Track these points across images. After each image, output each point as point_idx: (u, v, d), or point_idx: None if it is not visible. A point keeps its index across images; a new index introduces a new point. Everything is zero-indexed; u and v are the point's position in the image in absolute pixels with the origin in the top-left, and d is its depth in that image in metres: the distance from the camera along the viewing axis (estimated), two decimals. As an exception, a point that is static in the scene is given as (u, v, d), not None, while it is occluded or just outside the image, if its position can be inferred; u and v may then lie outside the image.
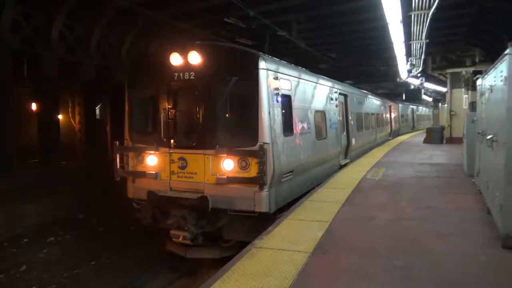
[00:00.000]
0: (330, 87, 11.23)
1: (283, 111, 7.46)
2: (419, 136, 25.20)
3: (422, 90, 32.23)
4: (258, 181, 6.60)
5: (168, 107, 7.41)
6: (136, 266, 8.53)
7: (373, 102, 19.47)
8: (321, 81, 10.50)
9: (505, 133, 4.62)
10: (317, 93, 9.88)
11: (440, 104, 31.93)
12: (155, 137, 7.53)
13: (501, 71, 4.90)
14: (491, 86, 5.90)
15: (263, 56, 7.07)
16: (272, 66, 7.19)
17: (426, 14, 9.69)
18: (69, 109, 18.44)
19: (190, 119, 7.36)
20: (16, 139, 11.90)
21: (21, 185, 10.99)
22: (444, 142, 20.33)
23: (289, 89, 7.90)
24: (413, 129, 36.01)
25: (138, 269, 8.36)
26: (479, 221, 6.03)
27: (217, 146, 6.88)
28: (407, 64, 16.88)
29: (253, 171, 6.70)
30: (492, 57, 14.13)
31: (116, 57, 14.96)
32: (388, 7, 8.87)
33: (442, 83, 25.62)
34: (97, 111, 16.76)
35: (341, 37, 17.63)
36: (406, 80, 22.82)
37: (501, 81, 4.89)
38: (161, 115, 7.40)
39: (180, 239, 6.96)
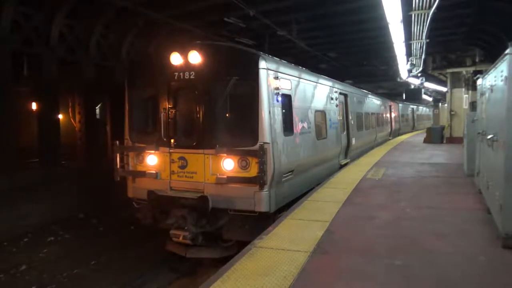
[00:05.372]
0: (330, 86, 11.22)
1: (283, 110, 7.46)
2: (419, 136, 25.20)
3: (422, 90, 32.18)
4: (258, 180, 6.60)
5: (168, 107, 7.41)
6: (136, 265, 8.53)
7: (373, 102, 19.46)
8: (321, 80, 10.49)
9: (505, 133, 4.62)
10: (317, 92, 9.88)
11: (440, 104, 31.96)
12: (155, 136, 7.53)
13: (502, 71, 4.90)
14: (491, 86, 5.89)
15: (263, 55, 7.06)
16: (272, 66, 7.19)
17: (426, 14, 9.68)
18: (69, 109, 18.49)
19: (190, 118, 7.35)
20: (16, 139, 11.91)
21: (21, 185, 11.00)
22: (444, 142, 20.33)
23: (289, 88, 7.90)
24: (413, 128, 36.01)
25: (138, 269, 8.37)
26: (479, 221, 6.02)
27: (217, 145, 6.88)
28: (407, 63, 16.85)
29: (253, 171, 6.70)
30: (492, 57, 14.14)
31: (116, 57, 14.96)
32: (388, 7, 8.86)
33: (442, 83, 25.61)
34: (97, 111, 16.78)
35: (341, 36, 17.63)
36: (406, 79, 22.78)
37: (502, 81, 4.89)
38: (161, 114, 7.39)
39: (180, 238, 6.96)
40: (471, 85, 19.04)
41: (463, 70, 19.91)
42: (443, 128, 21.23)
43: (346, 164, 12.42)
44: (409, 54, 15.16)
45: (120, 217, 11.13)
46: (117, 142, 7.98)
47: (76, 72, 13.86)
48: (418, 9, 9.41)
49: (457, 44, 19.07)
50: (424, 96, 38.53)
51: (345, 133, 12.78)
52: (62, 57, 12.83)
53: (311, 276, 4.17)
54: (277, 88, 7.16)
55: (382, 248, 4.96)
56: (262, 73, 6.78)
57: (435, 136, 20.44)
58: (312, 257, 4.65)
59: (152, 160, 7.58)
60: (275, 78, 7.16)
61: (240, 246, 6.23)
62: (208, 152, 7.02)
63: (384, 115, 22.88)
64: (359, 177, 9.99)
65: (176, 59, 7.23)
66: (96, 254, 9.18)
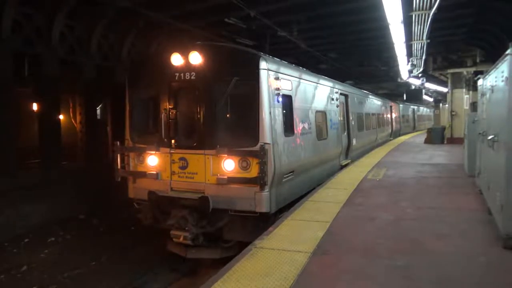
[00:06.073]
0: (330, 87, 11.22)
1: (284, 111, 7.46)
2: (420, 137, 25.19)
3: (423, 91, 32.24)
4: (259, 181, 6.59)
5: (169, 107, 7.41)
6: (137, 266, 8.53)
7: (374, 103, 19.46)
8: (321, 81, 10.49)
9: (506, 134, 4.62)
10: (317, 93, 9.88)
11: (441, 105, 31.95)
12: (156, 137, 7.53)
13: (502, 71, 4.90)
14: (492, 86, 5.89)
15: (264, 56, 7.07)
16: (273, 66, 7.19)
17: (427, 14, 9.67)
18: (70, 109, 18.50)
19: (191, 119, 7.35)
20: (17, 139, 11.92)
21: (22, 185, 11.00)
22: (445, 142, 20.32)
23: (290, 89, 7.90)
24: (414, 129, 35.98)
25: (138, 269, 8.37)
26: (479, 221, 6.02)
27: (218, 146, 6.88)
28: (408, 64, 16.84)
29: (253, 171, 6.70)
30: (493, 58, 14.11)
31: (117, 57, 14.97)
32: (389, 7, 8.86)
33: (443, 84, 25.60)
34: (98, 111, 16.79)
35: (342, 37, 17.61)
36: (407, 80, 22.77)
37: (502, 81, 4.89)
38: (162, 115, 7.40)
39: (181, 239, 6.97)
40: (472, 86, 19.04)
41: (464, 71, 19.91)
42: (443, 128, 21.22)
43: (346, 165, 12.41)
44: (409, 54, 15.15)
45: (121, 217, 11.14)
46: (118, 142, 7.98)
47: (77, 73, 13.87)
48: (419, 10, 9.39)
49: (457, 44, 19.06)
50: (425, 97, 38.60)
51: (345, 133, 12.78)
52: (63, 57, 12.84)
53: (311, 276, 4.16)
54: (277, 89, 7.16)
55: (382, 248, 4.95)
56: (263, 74, 6.78)
57: (436, 136, 20.44)
58: (312, 257, 4.65)
59: (152, 160, 7.57)
60: (276, 79, 7.16)
61: (240, 246, 6.23)
62: (209, 153, 7.01)
63: (385, 116, 22.88)
64: (360, 177, 9.99)
65: (176, 59, 7.23)
66: (97, 255, 9.18)
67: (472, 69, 19.39)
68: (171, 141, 7.37)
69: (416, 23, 10.46)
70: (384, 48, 17.83)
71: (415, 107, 38.77)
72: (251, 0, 11.66)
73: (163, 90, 7.50)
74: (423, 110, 45.01)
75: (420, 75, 20.73)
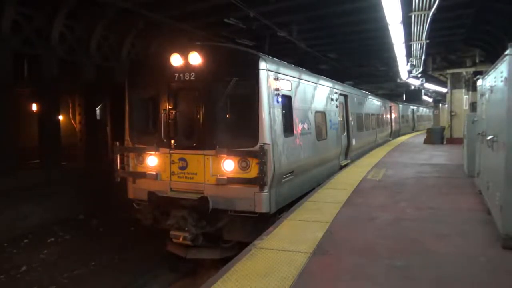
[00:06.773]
0: (330, 87, 11.23)
1: (284, 111, 7.46)
2: (419, 137, 25.21)
3: (423, 91, 32.22)
4: (259, 181, 6.60)
5: (169, 108, 7.41)
6: (137, 266, 8.53)
7: (373, 103, 19.47)
8: (321, 81, 10.50)
9: (505, 134, 4.62)
10: (317, 93, 9.89)
11: (440, 105, 31.95)
12: (155, 137, 7.53)
13: (501, 72, 4.90)
14: (491, 86, 5.90)
15: (263, 56, 7.07)
16: (273, 67, 7.19)
17: (426, 15, 9.68)
18: (70, 110, 18.50)
19: (191, 119, 7.36)
20: (17, 139, 11.92)
21: (22, 185, 11.00)
22: (445, 142, 20.34)
23: (289, 89, 7.91)
24: (413, 129, 36.02)
25: (138, 270, 8.37)
26: (479, 221, 6.02)
27: (218, 146, 6.88)
28: (407, 64, 16.84)
29: (253, 172, 6.70)
30: (492, 58, 14.13)
31: (117, 58, 14.97)
32: (388, 7, 8.87)
33: (443, 84, 25.60)
34: (98, 112, 16.78)
35: (342, 37, 17.62)
36: (407, 80, 22.78)
37: (501, 81, 4.90)
38: (162, 115, 7.40)
39: (180, 239, 6.97)
40: (471, 86, 19.06)
41: (463, 71, 19.93)
42: (443, 129, 21.24)
43: (346, 165, 12.42)
44: (409, 55, 15.15)
45: (120, 218, 11.13)
46: (117, 143, 7.98)
47: (77, 73, 13.88)
48: (418, 10, 9.39)
49: (457, 44, 19.06)
50: (424, 97, 38.56)
51: (345, 134, 12.79)
52: (63, 57, 12.84)
53: (311, 277, 4.17)
54: (277, 89, 7.16)
55: (382, 248, 4.96)
56: (262, 74, 6.78)
57: (435, 137, 20.46)
58: (312, 258, 4.66)
59: (152, 161, 7.58)
60: (275, 79, 7.17)
61: (240, 246, 6.23)
62: (208, 153, 7.02)
63: (384, 116, 22.90)
64: (359, 177, 10.00)
65: (176, 60, 7.24)
66: (97, 255, 9.18)
67: (471, 70, 19.41)
68: (170, 142, 7.38)
69: (416, 23, 10.46)
70: (384, 49, 17.83)
71: (415, 108, 38.80)
72: (251, 1, 11.66)
73: (163, 90, 7.50)
74: (423, 110, 45.04)
75: (419, 75, 20.73)
